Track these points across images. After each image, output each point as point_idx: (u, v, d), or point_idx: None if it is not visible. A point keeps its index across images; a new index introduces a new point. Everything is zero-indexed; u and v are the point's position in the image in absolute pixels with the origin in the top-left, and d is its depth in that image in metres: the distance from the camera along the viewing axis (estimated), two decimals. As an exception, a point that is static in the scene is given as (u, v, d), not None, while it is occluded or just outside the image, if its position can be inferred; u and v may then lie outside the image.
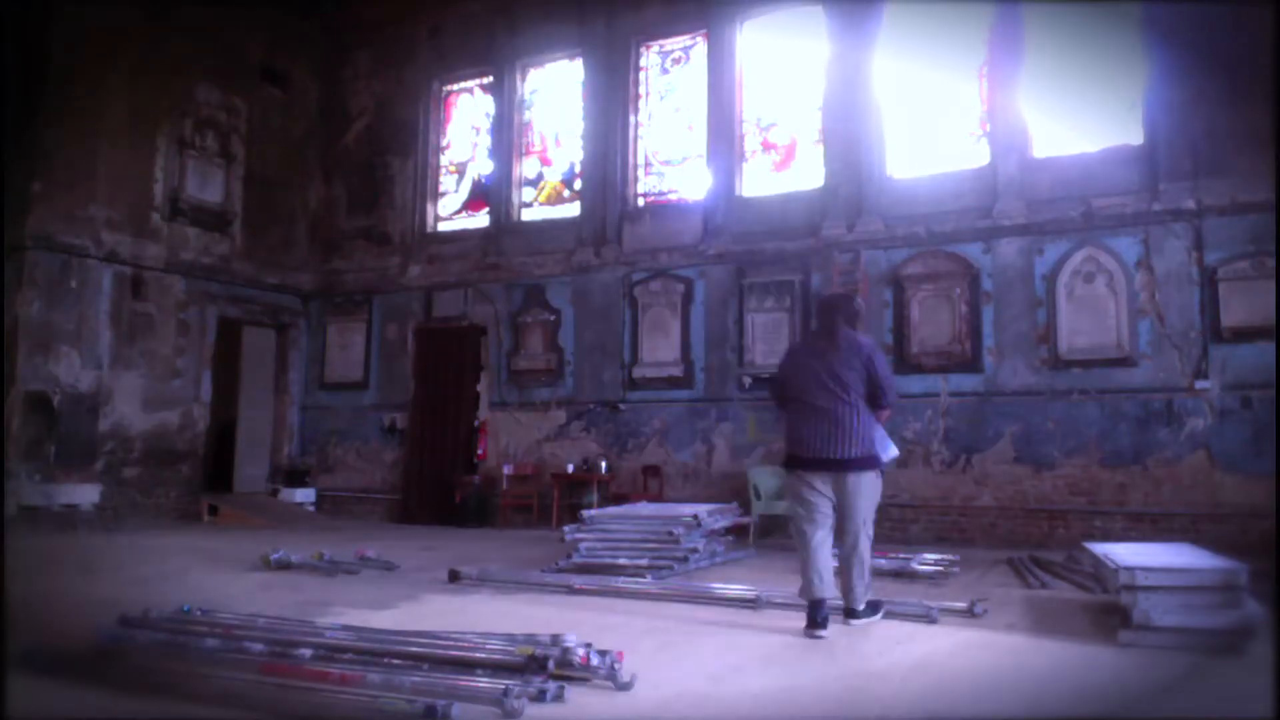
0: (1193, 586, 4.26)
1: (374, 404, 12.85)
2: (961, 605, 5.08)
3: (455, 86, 13.26)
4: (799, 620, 4.87)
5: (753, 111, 11.15)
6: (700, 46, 11.46)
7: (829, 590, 4.60)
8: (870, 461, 4.71)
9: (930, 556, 6.76)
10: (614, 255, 11.37)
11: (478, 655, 3.51)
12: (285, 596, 5.60)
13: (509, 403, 11.88)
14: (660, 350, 10.94)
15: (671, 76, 11.74)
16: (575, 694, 3.30)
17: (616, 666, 3.46)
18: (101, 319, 11.00)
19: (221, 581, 6.35)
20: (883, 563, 6.38)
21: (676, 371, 10.79)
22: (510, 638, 3.68)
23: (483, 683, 3.20)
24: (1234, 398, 8.26)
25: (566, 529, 7.20)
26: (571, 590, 5.93)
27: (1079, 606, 5.45)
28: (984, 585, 6.25)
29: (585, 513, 7.32)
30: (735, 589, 5.56)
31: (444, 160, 13.24)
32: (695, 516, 6.87)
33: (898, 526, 9.22)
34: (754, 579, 5.96)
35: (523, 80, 12.71)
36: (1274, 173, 7.73)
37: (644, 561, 6.56)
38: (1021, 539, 8.66)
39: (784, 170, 10.90)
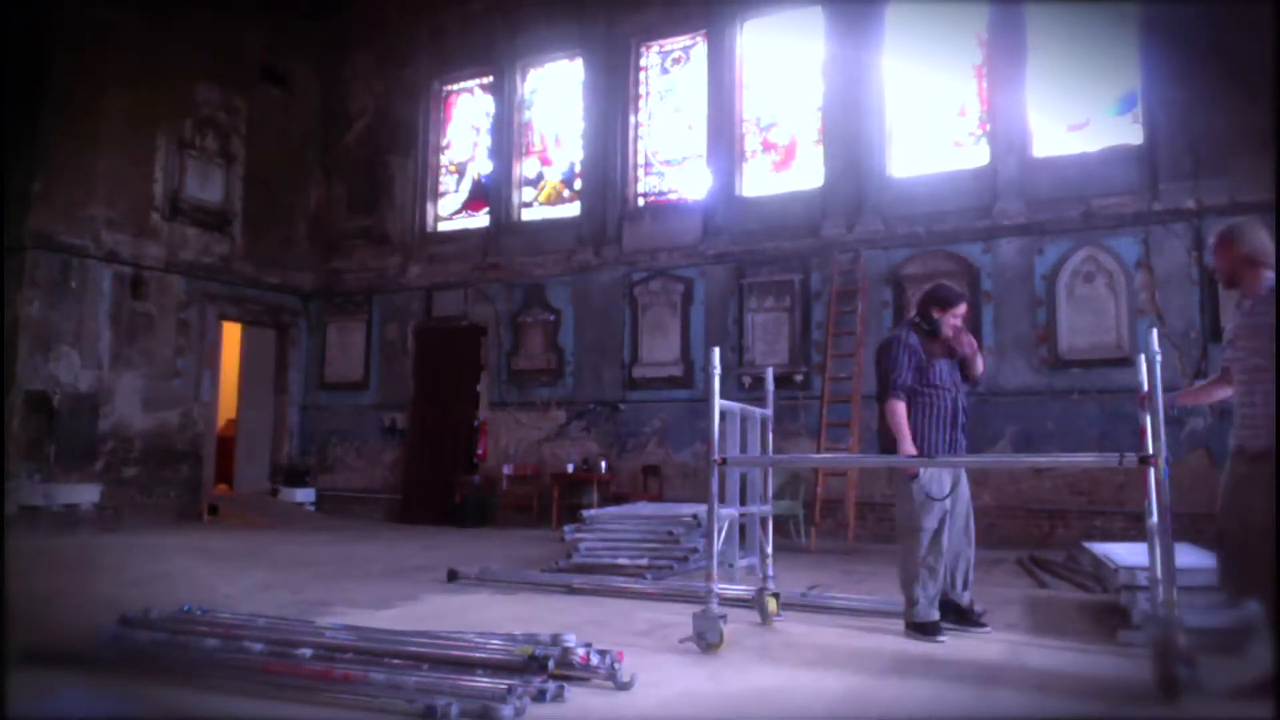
0: (1193, 586, 4.25)
1: (374, 404, 12.85)
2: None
3: (455, 86, 13.26)
4: (798, 619, 4.89)
5: (753, 111, 11.15)
6: (700, 46, 11.46)
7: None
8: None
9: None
10: (614, 255, 11.37)
11: (478, 655, 3.50)
12: (285, 596, 5.60)
13: (509, 403, 11.88)
14: (660, 350, 10.94)
15: (671, 76, 11.74)
16: (575, 694, 3.30)
17: (616, 666, 3.46)
18: (101, 319, 11.00)
19: (221, 581, 6.35)
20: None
21: (676, 371, 10.79)
22: (510, 637, 3.68)
23: (483, 682, 3.20)
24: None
25: (566, 529, 7.21)
26: (571, 590, 5.94)
27: (1079, 606, 5.46)
28: (984, 585, 6.24)
29: (585, 513, 7.33)
30: (735, 589, 5.55)
31: (444, 160, 13.24)
32: (695, 516, 6.87)
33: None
34: (753, 579, 5.95)
35: (523, 80, 12.71)
36: (1274, 173, 7.73)
37: (644, 561, 6.57)
38: (1021, 539, 8.66)
39: (784, 170, 10.90)
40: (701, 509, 7.11)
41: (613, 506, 8.62)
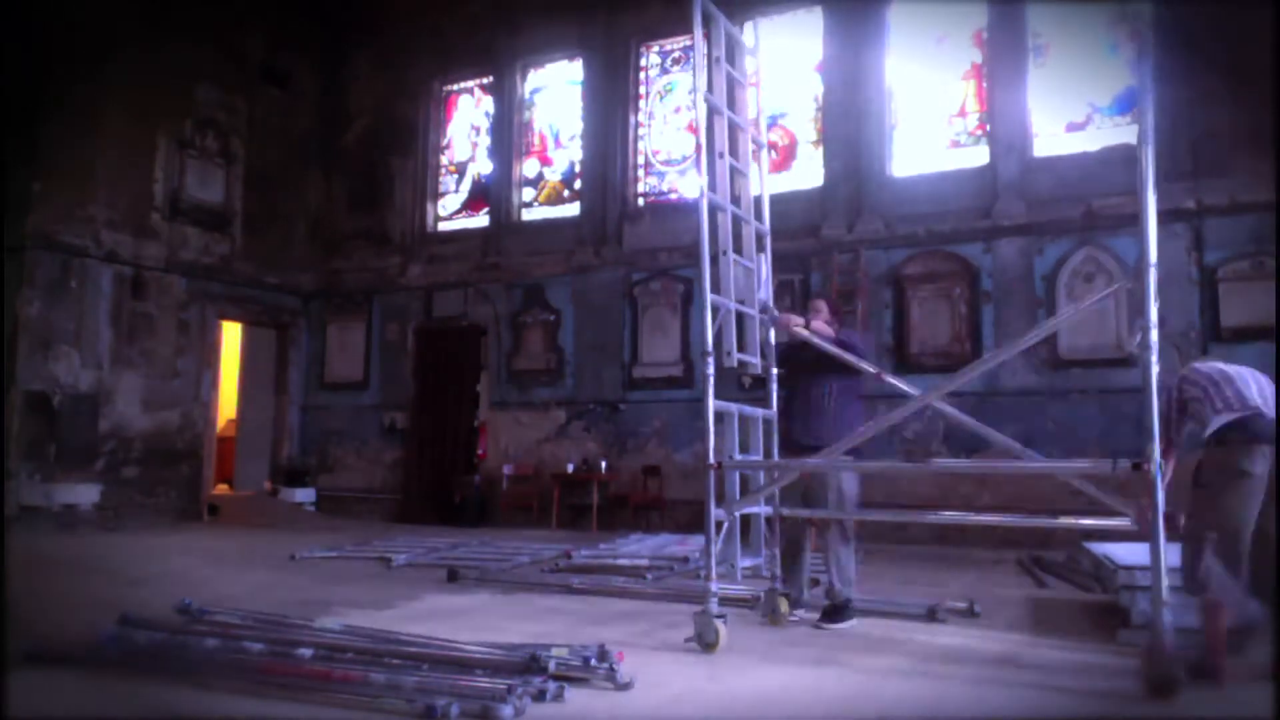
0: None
1: (374, 404, 12.84)
2: (962, 605, 5.08)
3: (455, 86, 13.26)
4: (797, 619, 4.88)
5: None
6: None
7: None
8: None
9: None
10: (614, 255, 11.37)
11: (478, 655, 3.51)
12: (285, 596, 5.60)
13: (509, 403, 11.87)
14: (660, 350, 10.95)
15: (671, 76, 11.74)
16: (575, 694, 3.30)
17: (616, 666, 3.46)
18: (101, 319, 10.99)
19: (222, 581, 6.35)
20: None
21: (676, 371, 10.79)
22: (511, 648, 3.67)
23: (483, 682, 3.20)
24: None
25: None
26: (571, 590, 5.94)
27: (1079, 606, 5.46)
28: (984, 585, 6.26)
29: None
30: (734, 589, 5.55)
31: (444, 160, 13.24)
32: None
33: (898, 526, 9.21)
34: (752, 578, 5.95)
35: (523, 80, 12.71)
36: (1274, 173, 7.73)
37: (643, 562, 6.58)
38: (1021, 539, 8.64)
39: (784, 170, 10.90)
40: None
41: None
